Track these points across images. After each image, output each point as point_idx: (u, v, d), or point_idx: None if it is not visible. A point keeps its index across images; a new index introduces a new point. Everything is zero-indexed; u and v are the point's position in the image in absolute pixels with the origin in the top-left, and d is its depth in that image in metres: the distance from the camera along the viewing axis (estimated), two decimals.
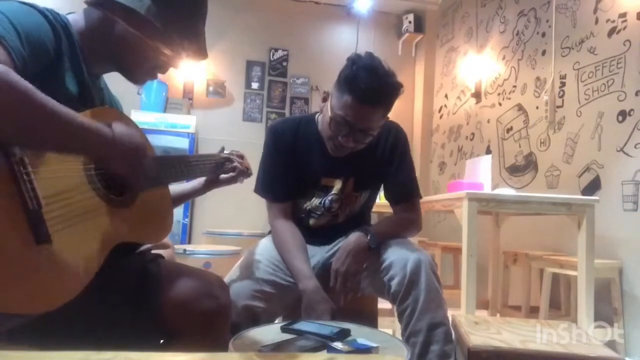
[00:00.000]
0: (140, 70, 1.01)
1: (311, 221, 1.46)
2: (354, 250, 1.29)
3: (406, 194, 1.45)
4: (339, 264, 1.29)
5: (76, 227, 0.80)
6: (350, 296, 1.31)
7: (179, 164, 1.12)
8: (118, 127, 0.87)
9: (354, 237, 1.32)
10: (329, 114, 1.27)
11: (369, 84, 1.20)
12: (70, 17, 0.94)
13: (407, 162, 1.46)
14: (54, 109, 0.74)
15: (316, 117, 1.46)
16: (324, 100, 1.35)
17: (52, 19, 0.86)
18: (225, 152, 1.32)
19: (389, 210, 1.53)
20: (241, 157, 1.33)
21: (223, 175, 1.28)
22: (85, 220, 0.84)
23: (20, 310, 0.71)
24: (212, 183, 1.29)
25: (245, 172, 1.32)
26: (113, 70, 1.02)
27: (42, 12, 0.85)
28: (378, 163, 1.43)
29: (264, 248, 1.43)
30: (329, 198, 1.42)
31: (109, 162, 0.87)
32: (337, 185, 1.42)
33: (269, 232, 1.48)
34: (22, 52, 0.76)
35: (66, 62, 0.88)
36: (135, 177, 0.92)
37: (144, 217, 0.99)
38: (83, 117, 0.80)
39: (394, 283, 1.23)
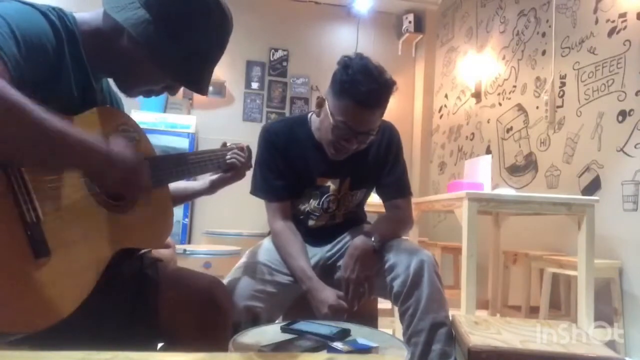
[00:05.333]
0: (135, 88, 0.98)
1: (310, 222, 1.46)
2: (361, 256, 1.29)
3: (399, 191, 1.46)
4: (349, 272, 1.28)
5: (76, 238, 0.80)
6: (363, 300, 1.31)
7: (180, 163, 1.09)
8: (114, 141, 0.85)
9: (359, 242, 1.31)
10: (330, 120, 1.25)
11: (368, 87, 1.18)
12: (79, 16, 0.91)
13: (400, 161, 1.47)
14: (49, 123, 0.70)
15: (309, 117, 1.45)
16: (319, 105, 1.33)
17: (53, 19, 0.83)
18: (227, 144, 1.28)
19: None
20: (242, 149, 1.26)
21: (223, 175, 1.25)
22: (85, 229, 0.83)
23: (18, 329, 0.70)
24: (219, 182, 1.26)
25: (243, 166, 1.25)
26: (110, 77, 0.99)
27: (44, 13, 0.82)
28: (373, 163, 1.43)
29: (265, 248, 1.43)
30: (326, 199, 1.43)
31: (103, 178, 0.84)
32: (334, 185, 1.42)
33: (269, 233, 1.49)
34: (18, 59, 0.73)
35: (68, 64, 0.86)
36: (130, 192, 0.91)
37: (143, 221, 0.98)
38: (78, 130, 0.77)
39: (396, 283, 1.24)
